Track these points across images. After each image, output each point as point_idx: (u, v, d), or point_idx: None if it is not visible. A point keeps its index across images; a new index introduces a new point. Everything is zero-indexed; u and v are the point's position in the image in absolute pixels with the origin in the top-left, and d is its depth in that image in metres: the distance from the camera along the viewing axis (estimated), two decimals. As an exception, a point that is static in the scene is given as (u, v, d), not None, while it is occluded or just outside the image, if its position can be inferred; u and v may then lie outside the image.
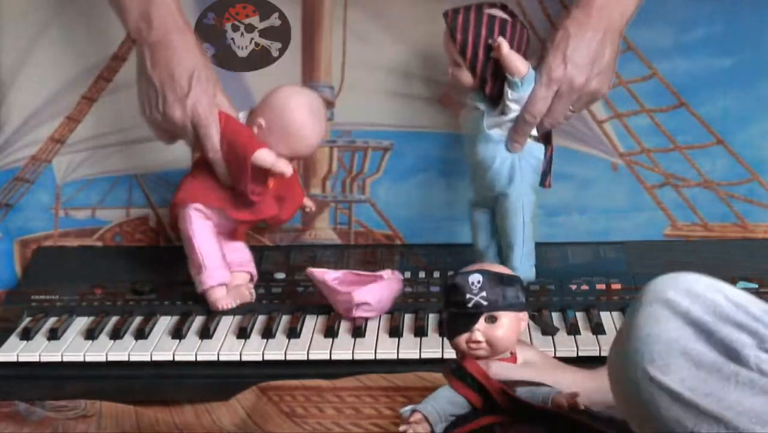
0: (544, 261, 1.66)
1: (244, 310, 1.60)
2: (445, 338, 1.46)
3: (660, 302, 1.03)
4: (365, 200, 1.82)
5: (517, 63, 1.51)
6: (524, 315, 1.23)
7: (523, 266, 1.56)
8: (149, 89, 1.56)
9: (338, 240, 1.82)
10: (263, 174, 1.55)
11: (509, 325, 1.20)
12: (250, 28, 1.77)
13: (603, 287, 1.63)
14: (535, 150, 1.56)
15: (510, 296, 1.20)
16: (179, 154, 1.72)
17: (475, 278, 1.19)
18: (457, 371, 1.20)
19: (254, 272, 1.65)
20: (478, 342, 1.19)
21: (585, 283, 1.63)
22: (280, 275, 1.70)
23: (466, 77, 1.56)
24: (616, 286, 1.62)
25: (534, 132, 1.55)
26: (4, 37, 1.79)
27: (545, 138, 1.58)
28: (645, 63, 1.75)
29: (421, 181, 1.80)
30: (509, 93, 1.52)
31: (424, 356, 1.47)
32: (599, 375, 1.23)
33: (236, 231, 1.64)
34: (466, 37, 1.53)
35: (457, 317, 1.20)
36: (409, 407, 1.20)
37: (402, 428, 1.17)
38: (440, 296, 1.60)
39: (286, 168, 1.54)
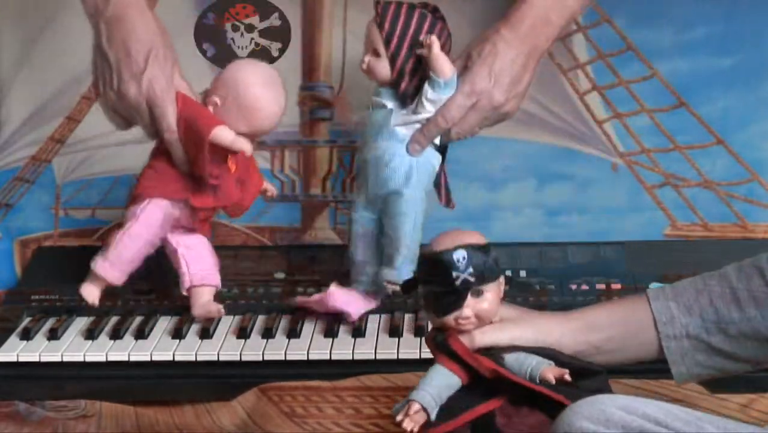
0: (544, 261, 1.66)
1: (244, 310, 1.60)
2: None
3: None
4: (365, 200, 1.82)
5: (444, 64, 1.47)
6: (502, 280, 1.21)
7: (403, 270, 1.48)
8: (104, 66, 1.50)
9: (338, 240, 1.82)
10: (222, 155, 1.50)
11: (494, 295, 1.19)
12: (250, 28, 1.77)
13: (603, 287, 1.63)
14: (432, 158, 1.52)
15: (492, 267, 1.18)
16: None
17: (461, 255, 1.16)
18: (444, 347, 1.20)
19: (218, 282, 1.58)
20: (468, 318, 1.18)
21: (585, 283, 1.63)
22: (280, 275, 1.70)
23: (383, 69, 1.50)
24: (616, 286, 1.62)
25: (437, 140, 1.51)
26: (4, 37, 1.79)
27: (442, 152, 1.54)
28: (645, 63, 1.75)
29: (421, 181, 1.80)
30: (429, 92, 1.48)
31: (424, 356, 1.46)
32: (576, 316, 1.24)
33: (200, 224, 1.58)
34: (394, 28, 1.49)
35: (444, 295, 1.18)
36: (400, 404, 1.20)
37: (399, 417, 1.16)
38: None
39: (245, 146, 1.48)
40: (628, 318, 1.23)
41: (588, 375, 1.19)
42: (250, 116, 1.50)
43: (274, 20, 1.77)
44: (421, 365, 1.42)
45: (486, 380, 1.17)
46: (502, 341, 1.20)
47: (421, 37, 1.48)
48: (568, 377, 1.15)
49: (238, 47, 1.77)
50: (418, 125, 1.50)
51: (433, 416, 1.16)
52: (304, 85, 1.80)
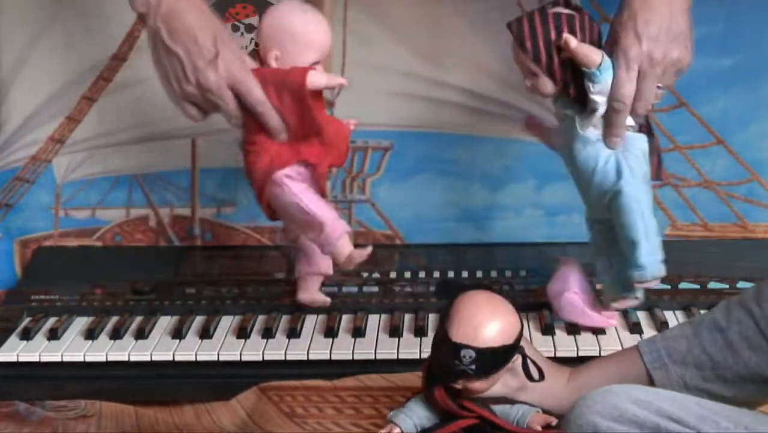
0: (544, 261, 1.66)
1: (244, 310, 1.60)
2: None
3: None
4: (365, 200, 1.82)
5: (588, 53, 1.42)
6: (513, 361, 1.20)
7: (650, 262, 1.44)
8: (173, 62, 1.46)
9: (338, 240, 1.82)
10: (319, 102, 1.49)
11: (493, 381, 1.19)
12: (250, 28, 1.77)
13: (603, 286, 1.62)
14: (637, 141, 1.47)
15: (501, 363, 1.18)
16: (179, 154, 1.72)
17: (467, 354, 1.16)
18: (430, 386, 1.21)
19: (329, 270, 1.58)
20: (457, 388, 1.19)
21: (585, 283, 1.63)
22: (280, 275, 1.70)
23: (547, 85, 1.46)
24: (616, 286, 1.62)
25: (631, 122, 1.47)
26: (4, 37, 1.79)
27: (647, 131, 1.50)
28: (645, 63, 1.75)
29: (421, 181, 1.80)
30: (591, 86, 1.42)
31: (424, 356, 1.46)
32: (577, 375, 1.24)
33: (320, 186, 1.52)
34: (536, 42, 1.43)
35: (442, 367, 1.18)
36: (392, 414, 1.22)
37: None
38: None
39: (340, 79, 1.48)
40: (621, 377, 1.20)
41: None
42: (316, 46, 1.49)
43: (274, 20, 1.77)
44: (421, 365, 1.42)
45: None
46: (496, 394, 1.20)
47: (559, 42, 1.42)
48: (554, 421, 1.16)
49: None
50: (603, 121, 1.45)
51: None
52: (304, 85, 1.79)
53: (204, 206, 1.83)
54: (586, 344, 1.48)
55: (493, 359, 1.16)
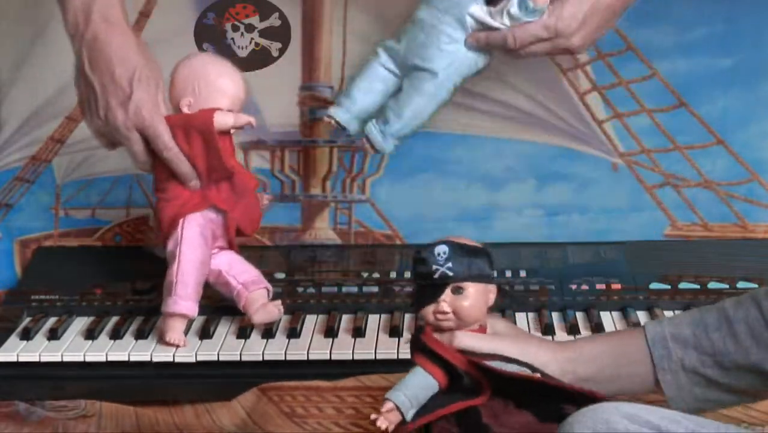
0: (544, 261, 1.66)
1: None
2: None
3: None
4: (365, 200, 1.82)
5: None
6: (492, 287, 1.20)
7: (386, 139, 1.45)
8: (89, 93, 1.46)
9: (338, 240, 1.82)
10: (229, 146, 1.51)
11: (476, 296, 1.18)
12: (250, 28, 1.77)
13: (603, 287, 1.62)
14: (480, 59, 1.45)
15: (477, 267, 1.18)
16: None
17: (441, 249, 1.17)
18: (420, 345, 1.19)
19: (270, 287, 1.56)
20: (445, 313, 1.18)
21: (585, 283, 1.63)
22: (280, 275, 1.70)
23: None
24: (616, 286, 1.62)
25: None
26: (3, 37, 1.79)
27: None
28: (645, 63, 1.75)
29: (421, 181, 1.80)
30: (513, 8, 1.41)
31: (424, 356, 1.46)
32: (571, 346, 1.24)
33: (229, 235, 1.56)
34: None
35: (424, 289, 1.18)
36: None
37: (373, 416, 1.15)
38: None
39: (247, 118, 1.49)
40: (622, 351, 1.22)
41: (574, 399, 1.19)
42: (226, 93, 1.50)
43: (274, 20, 1.77)
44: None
45: (466, 381, 1.17)
46: (483, 349, 1.19)
47: None
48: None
49: (238, 47, 1.77)
50: (486, 25, 1.43)
51: (408, 417, 1.15)
52: (304, 85, 1.80)
53: (204, 206, 1.83)
54: (586, 344, 1.48)
55: (467, 255, 1.17)
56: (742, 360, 1.16)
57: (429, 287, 1.18)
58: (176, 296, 1.49)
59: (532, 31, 1.42)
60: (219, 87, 1.51)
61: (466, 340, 1.18)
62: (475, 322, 1.20)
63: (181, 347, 1.49)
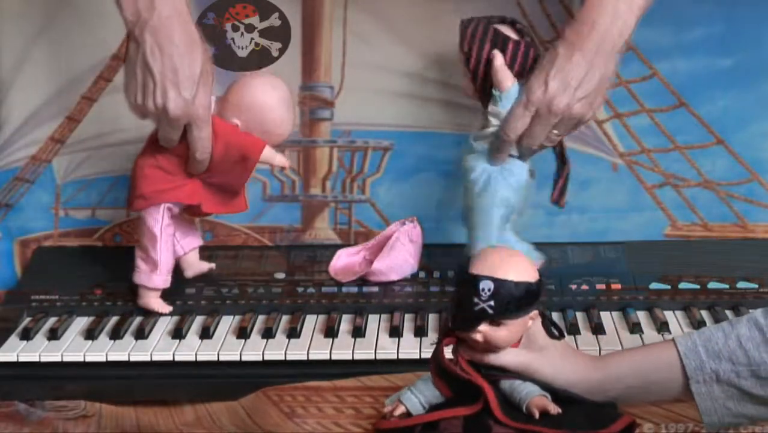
0: (544, 261, 1.66)
1: (244, 310, 1.60)
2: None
3: None
4: (365, 200, 1.82)
5: (502, 77, 1.50)
6: (534, 314, 1.20)
7: None
8: (146, 77, 1.45)
9: (338, 240, 1.82)
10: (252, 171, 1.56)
11: (514, 328, 1.18)
12: (250, 28, 1.77)
13: (603, 287, 1.62)
14: (516, 168, 1.54)
15: (520, 305, 1.16)
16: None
17: (486, 285, 1.15)
18: (438, 363, 1.21)
19: (200, 242, 1.68)
20: (476, 342, 1.19)
21: (585, 283, 1.63)
22: (280, 275, 1.70)
23: (468, 88, 1.56)
24: (616, 286, 1.62)
25: (514, 151, 1.53)
26: (4, 37, 1.79)
27: (561, 158, 1.57)
28: (645, 63, 1.75)
29: (421, 181, 1.80)
30: (490, 106, 1.52)
31: (424, 356, 1.46)
32: (600, 366, 1.24)
33: (190, 220, 1.66)
34: (471, 48, 1.52)
35: (462, 311, 1.18)
36: (393, 396, 1.23)
37: (387, 408, 1.21)
38: (440, 296, 1.61)
39: (285, 161, 1.56)
40: (653, 367, 1.21)
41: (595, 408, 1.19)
42: (272, 137, 1.55)
43: (274, 20, 1.77)
44: (421, 365, 1.42)
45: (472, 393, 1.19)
46: (510, 365, 1.20)
47: (488, 54, 1.51)
48: (553, 412, 1.16)
49: (238, 47, 1.77)
50: (491, 139, 1.53)
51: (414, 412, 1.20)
52: (304, 85, 1.80)
53: (204, 206, 1.83)
54: (587, 344, 1.48)
55: (512, 296, 1.15)
56: None
57: (467, 312, 1.17)
58: (160, 273, 1.58)
59: (515, 114, 1.49)
60: (274, 131, 1.55)
61: (494, 359, 1.20)
62: (506, 347, 1.20)
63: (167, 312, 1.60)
